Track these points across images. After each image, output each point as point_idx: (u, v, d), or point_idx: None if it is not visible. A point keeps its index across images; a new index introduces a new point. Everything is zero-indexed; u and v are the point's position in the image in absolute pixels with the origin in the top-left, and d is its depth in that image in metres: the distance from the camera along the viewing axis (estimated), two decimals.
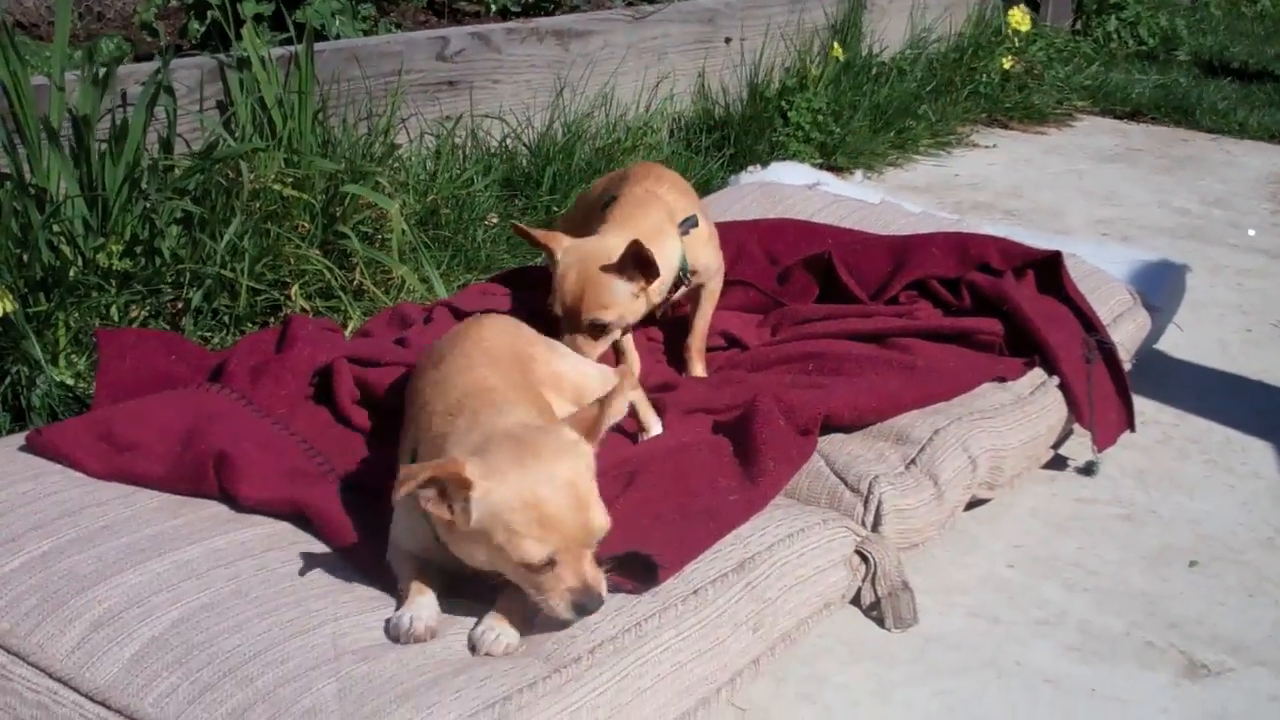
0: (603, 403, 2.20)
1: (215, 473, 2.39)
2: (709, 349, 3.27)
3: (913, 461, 2.82)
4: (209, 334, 3.56)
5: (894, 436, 2.90)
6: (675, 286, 3.08)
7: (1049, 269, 3.46)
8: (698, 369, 3.19)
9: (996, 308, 3.34)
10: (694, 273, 3.12)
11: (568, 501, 2.04)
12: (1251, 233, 5.40)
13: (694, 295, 3.20)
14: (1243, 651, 2.67)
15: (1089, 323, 3.35)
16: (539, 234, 2.99)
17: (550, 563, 2.02)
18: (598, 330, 2.91)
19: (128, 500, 2.39)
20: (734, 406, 2.87)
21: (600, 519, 2.07)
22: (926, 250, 3.53)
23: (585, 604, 2.05)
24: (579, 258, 2.92)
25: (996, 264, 3.47)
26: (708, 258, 3.18)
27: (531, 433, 2.16)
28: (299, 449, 2.56)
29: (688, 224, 3.09)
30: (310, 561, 2.24)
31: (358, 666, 1.95)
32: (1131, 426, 3.34)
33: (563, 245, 2.95)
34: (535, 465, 2.06)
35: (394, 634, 2.06)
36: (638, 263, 2.85)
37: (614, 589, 2.23)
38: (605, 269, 2.87)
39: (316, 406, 2.83)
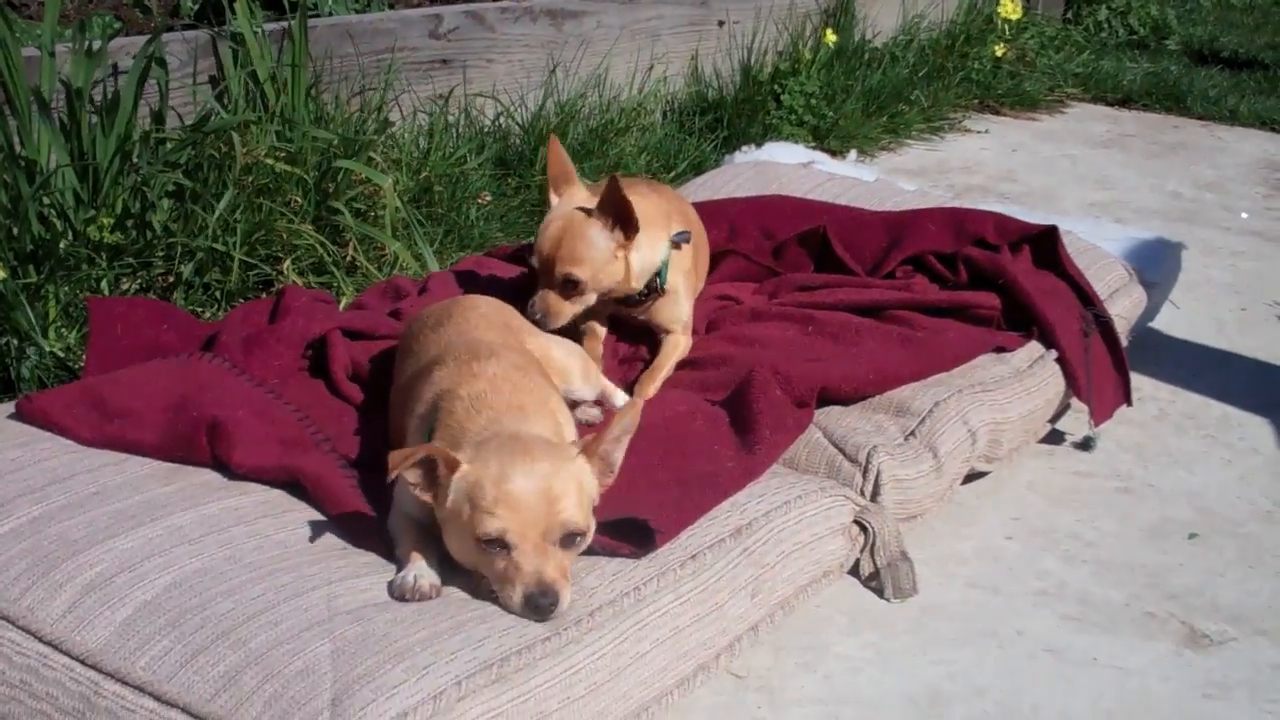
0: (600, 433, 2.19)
1: (208, 439, 2.36)
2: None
3: (912, 433, 2.81)
4: (200, 308, 3.53)
5: (893, 409, 2.88)
6: (649, 292, 3.05)
7: (1045, 243, 3.44)
8: (648, 389, 2.98)
9: (993, 282, 3.32)
10: (663, 294, 3.06)
11: (536, 488, 2.03)
12: (1244, 215, 5.40)
13: (657, 341, 3.13)
14: (1243, 621, 2.66)
15: (1086, 297, 3.34)
16: (560, 171, 3.00)
17: (504, 545, 2.01)
18: (570, 288, 2.89)
19: (119, 467, 2.36)
20: (729, 384, 2.85)
21: (570, 515, 2.05)
22: (923, 226, 3.51)
23: (538, 600, 2.01)
24: (566, 209, 2.91)
25: (992, 239, 3.45)
26: (682, 309, 3.12)
27: (535, 439, 2.16)
28: (293, 418, 2.53)
29: (680, 237, 3.07)
30: (305, 528, 2.22)
31: (352, 627, 1.93)
32: (1129, 400, 3.33)
33: (562, 196, 2.94)
34: (519, 457, 2.07)
35: (399, 593, 2.05)
36: (614, 204, 2.84)
37: (611, 553, 2.21)
38: (587, 218, 2.88)
39: (311, 379, 2.81)
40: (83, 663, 1.93)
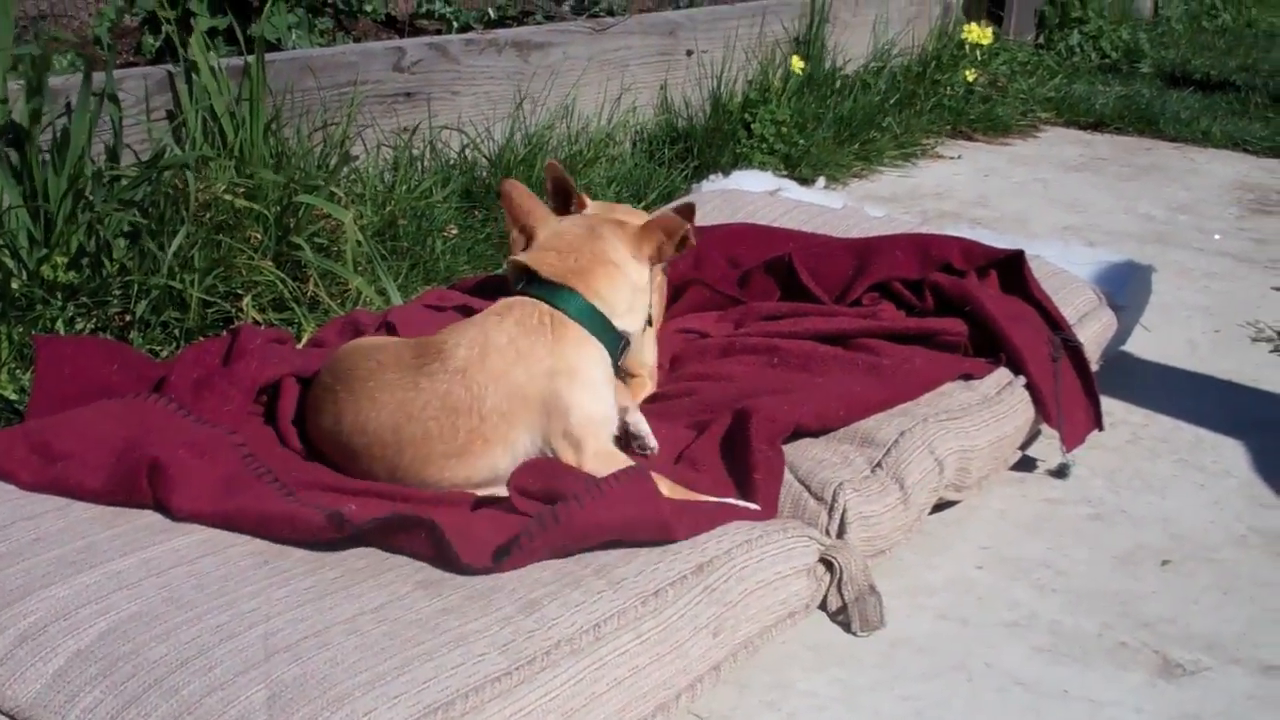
0: None
1: (149, 482, 2.30)
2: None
3: (878, 464, 2.76)
4: (158, 347, 3.47)
5: (859, 439, 2.83)
6: None
7: (1012, 268, 3.40)
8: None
9: (960, 309, 3.28)
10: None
11: None
12: (1217, 237, 5.37)
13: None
14: (1218, 650, 2.61)
15: (1054, 321, 3.30)
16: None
17: None
18: None
19: (62, 512, 2.30)
20: (695, 413, 2.82)
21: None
22: (889, 252, 3.47)
23: None
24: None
25: (959, 265, 3.41)
26: (650, 350, 3.07)
27: None
28: (238, 454, 2.47)
29: None
30: (247, 559, 2.17)
31: (290, 669, 1.86)
32: (1100, 425, 3.28)
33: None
34: None
35: (640, 445, 2.54)
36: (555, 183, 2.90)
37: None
38: None
39: (264, 426, 2.75)
40: (13, 718, 1.87)
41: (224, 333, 3.48)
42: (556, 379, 2.53)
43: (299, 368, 2.84)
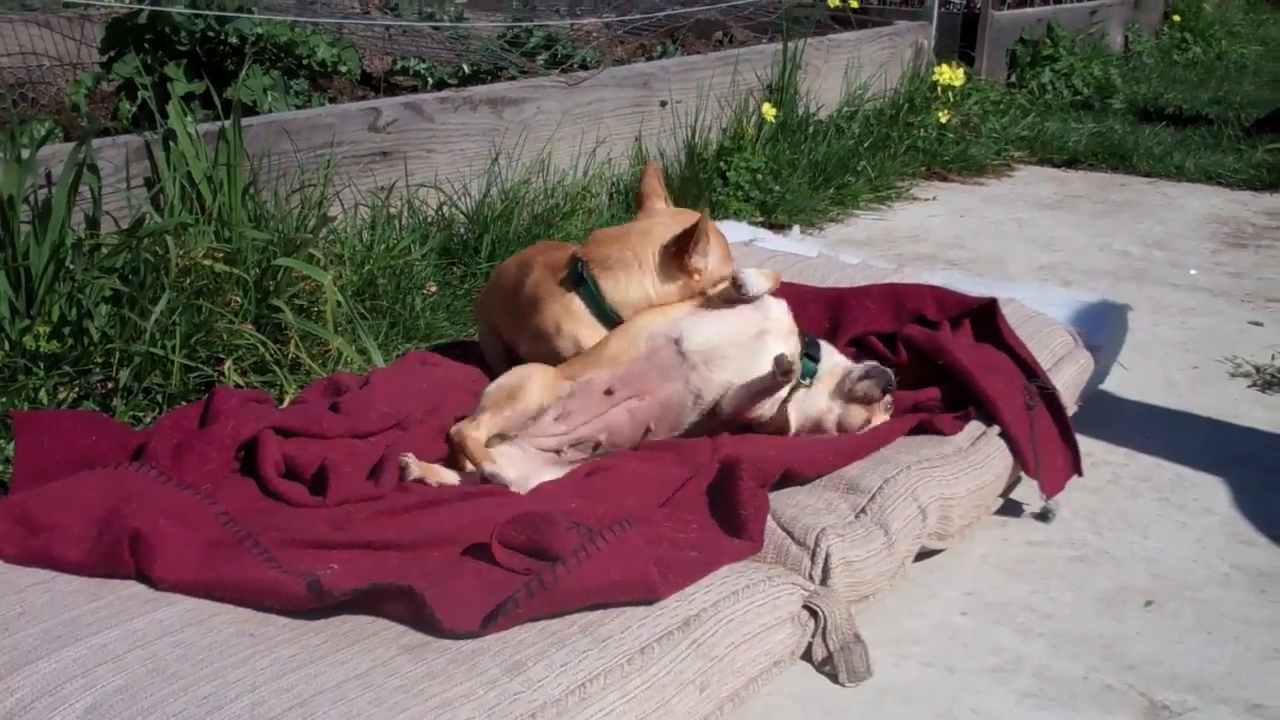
0: None
1: (130, 553, 2.31)
2: None
3: (863, 510, 2.77)
4: (141, 413, 3.47)
5: (843, 486, 2.85)
6: None
7: (985, 317, 3.43)
8: None
9: (933, 361, 3.29)
10: None
11: None
12: (1193, 272, 5.42)
13: None
14: (1203, 690, 2.62)
15: (1029, 369, 3.31)
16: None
17: None
18: None
19: (46, 586, 2.30)
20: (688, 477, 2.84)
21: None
22: (861, 305, 3.50)
23: None
24: None
25: (932, 315, 3.44)
26: None
27: None
28: (218, 521, 2.48)
29: None
30: (231, 629, 2.17)
31: None
32: (1079, 471, 3.30)
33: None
34: None
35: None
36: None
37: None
38: None
39: (243, 480, 2.76)
40: None
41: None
42: None
43: (276, 422, 2.87)
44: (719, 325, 3.06)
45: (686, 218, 3.18)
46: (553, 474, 2.92)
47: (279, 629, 2.19)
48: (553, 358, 3.15)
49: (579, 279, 3.19)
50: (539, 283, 3.25)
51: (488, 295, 3.54)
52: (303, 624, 2.21)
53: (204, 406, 2.94)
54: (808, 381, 3.09)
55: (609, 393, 3.00)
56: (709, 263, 3.15)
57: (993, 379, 3.19)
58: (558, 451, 2.97)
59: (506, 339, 3.39)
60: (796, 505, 2.77)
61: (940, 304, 3.45)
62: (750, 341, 3.04)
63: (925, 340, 3.32)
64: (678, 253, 3.13)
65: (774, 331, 3.07)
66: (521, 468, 2.89)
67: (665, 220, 3.23)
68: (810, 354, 3.12)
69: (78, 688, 1.99)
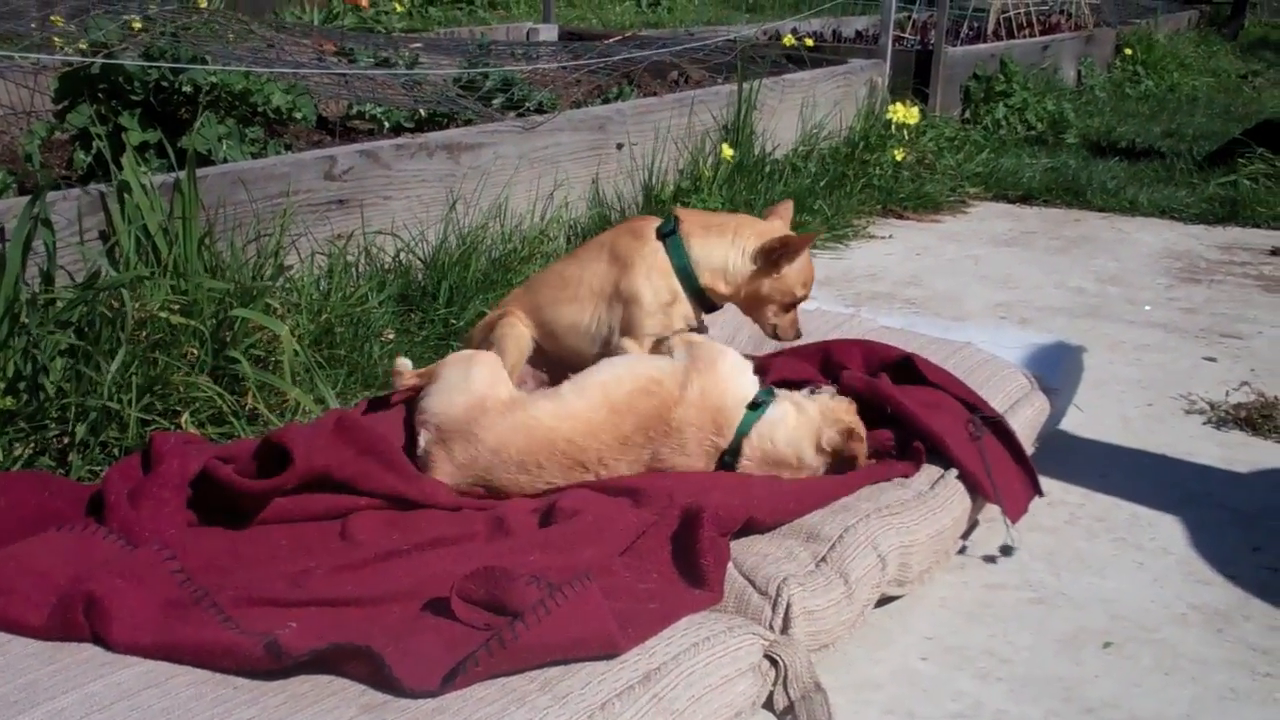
0: None
1: (85, 616, 2.29)
2: None
3: (823, 559, 2.78)
4: (97, 468, 3.45)
5: (804, 534, 2.86)
6: None
7: (906, 368, 3.45)
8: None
9: (881, 409, 3.30)
10: None
11: None
12: (1147, 308, 5.47)
13: None
14: None
15: (969, 402, 3.34)
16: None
17: None
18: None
19: (2, 649, 2.28)
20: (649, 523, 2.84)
21: None
22: (790, 363, 3.52)
23: None
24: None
25: (858, 370, 3.46)
26: None
27: None
28: (175, 580, 2.46)
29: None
30: (188, 690, 2.15)
31: None
32: (1039, 492, 3.32)
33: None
34: None
35: None
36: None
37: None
38: None
39: (202, 529, 2.77)
40: None
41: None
42: None
43: (220, 453, 2.90)
44: None
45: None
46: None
47: (236, 690, 2.18)
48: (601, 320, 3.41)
49: (670, 231, 3.35)
50: (621, 238, 3.44)
51: (531, 284, 3.67)
52: (262, 684, 2.20)
53: (144, 453, 2.94)
54: None
55: None
56: (792, 274, 3.34)
57: (935, 416, 3.22)
58: None
59: (546, 319, 3.52)
60: (757, 554, 2.77)
61: (867, 358, 3.50)
62: None
63: (864, 387, 3.33)
64: (772, 251, 3.30)
65: None
66: None
67: (778, 228, 3.41)
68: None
69: None
